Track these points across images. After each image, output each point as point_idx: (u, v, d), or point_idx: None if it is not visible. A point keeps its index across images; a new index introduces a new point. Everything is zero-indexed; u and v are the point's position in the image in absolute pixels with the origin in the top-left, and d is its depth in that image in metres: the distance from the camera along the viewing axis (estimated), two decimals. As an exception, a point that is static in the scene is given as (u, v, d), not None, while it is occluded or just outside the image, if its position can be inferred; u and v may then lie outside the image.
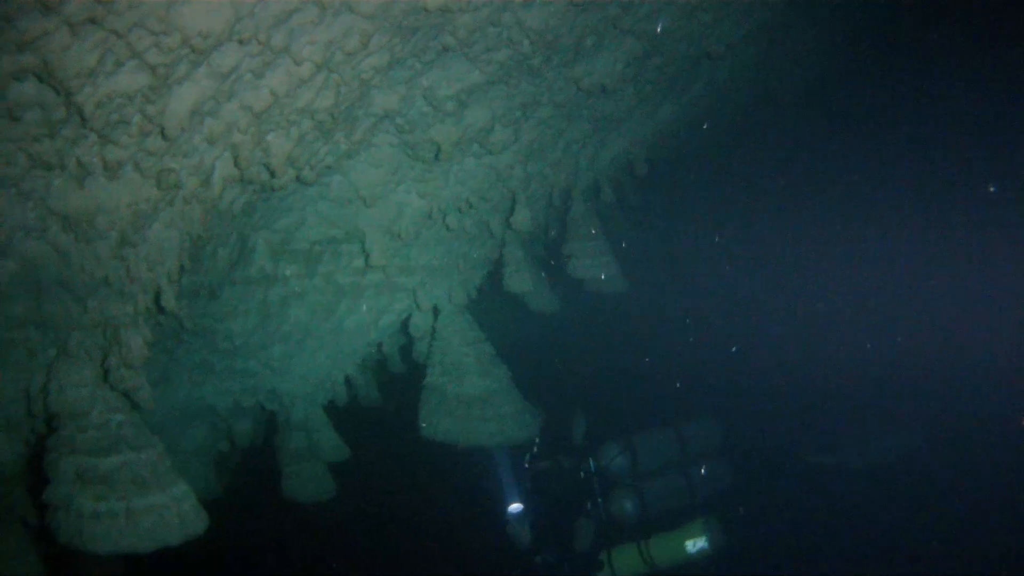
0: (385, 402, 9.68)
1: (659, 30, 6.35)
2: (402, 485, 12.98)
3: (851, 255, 13.78)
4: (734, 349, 12.90)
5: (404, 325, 8.08)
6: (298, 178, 5.33)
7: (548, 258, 10.11)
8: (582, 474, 9.87)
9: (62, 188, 4.27)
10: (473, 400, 7.60)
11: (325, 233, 6.74)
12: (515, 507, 9.91)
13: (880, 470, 11.20)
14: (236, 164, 4.67)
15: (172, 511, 5.03)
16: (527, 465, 9.98)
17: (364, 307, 7.45)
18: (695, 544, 9.49)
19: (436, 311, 7.86)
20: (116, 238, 4.54)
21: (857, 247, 13.72)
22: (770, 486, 10.70)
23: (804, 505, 10.80)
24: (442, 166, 6.57)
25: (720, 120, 11.37)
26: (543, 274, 9.24)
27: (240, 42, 3.84)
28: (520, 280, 7.93)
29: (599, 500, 9.76)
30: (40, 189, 4.22)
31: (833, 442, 11.53)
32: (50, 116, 3.77)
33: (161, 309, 4.94)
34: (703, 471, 10.00)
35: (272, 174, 4.96)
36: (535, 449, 10.02)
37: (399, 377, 9.19)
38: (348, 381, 8.09)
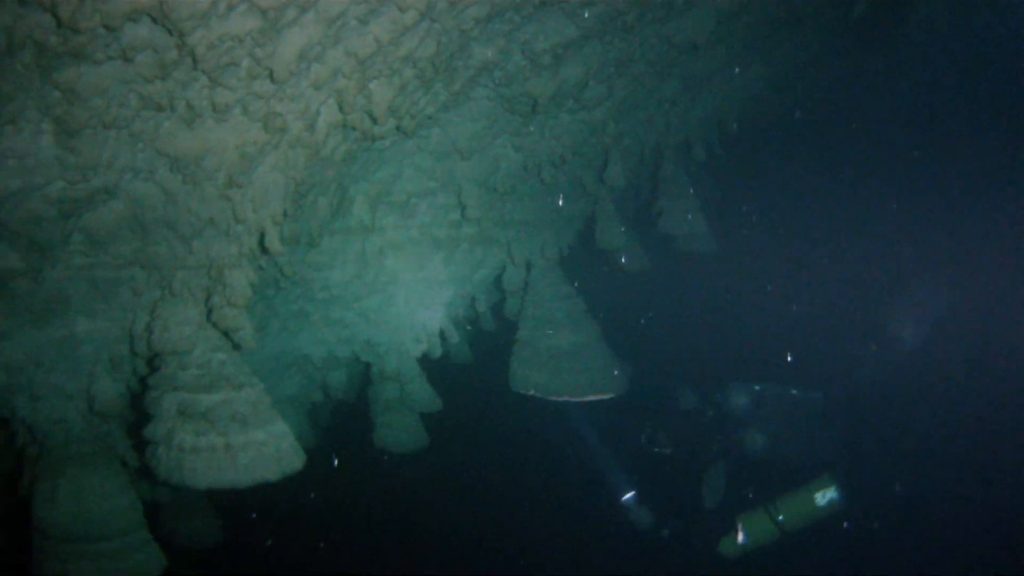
0: (477, 360, 9.77)
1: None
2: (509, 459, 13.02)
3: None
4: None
5: (497, 280, 8.17)
6: (399, 128, 5.42)
7: (639, 216, 10.10)
8: (710, 414, 9.90)
9: (171, 130, 4.39)
10: (563, 354, 7.67)
11: (422, 185, 6.83)
12: (629, 496, 9.94)
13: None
14: (340, 110, 4.76)
15: (270, 448, 5.16)
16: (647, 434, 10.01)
17: (459, 260, 7.54)
18: (825, 496, 9.37)
19: (529, 266, 7.94)
20: (223, 179, 4.66)
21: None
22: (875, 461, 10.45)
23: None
24: (538, 120, 6.64)
25: (815, 91, 11.28)
26: (634, 232, 9.26)
27: (347, -13, 3.93)
28: (612, 236, 7.99)
29: (730, 436, 9.76)
30: (150, 131, 4.35)
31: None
32: (162, 58, 3.88)
33: (265, 251, 5.05)
34: (818, 431, 9.95)
35: (374, 121, 5.04)
36: (644, 437, 10.06)
37: (491, 335, 9.25)
38: (442, 335, 8.16)
